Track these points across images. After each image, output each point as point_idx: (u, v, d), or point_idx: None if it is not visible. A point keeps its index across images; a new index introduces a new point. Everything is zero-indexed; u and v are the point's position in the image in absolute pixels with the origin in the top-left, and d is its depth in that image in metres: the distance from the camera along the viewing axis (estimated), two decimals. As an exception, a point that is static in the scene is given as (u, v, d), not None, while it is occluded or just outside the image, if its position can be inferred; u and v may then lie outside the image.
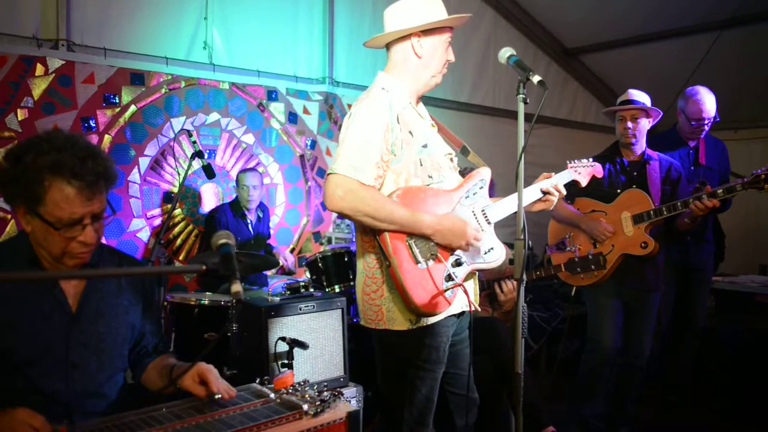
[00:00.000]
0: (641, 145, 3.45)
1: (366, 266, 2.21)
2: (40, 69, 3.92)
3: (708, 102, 3.73)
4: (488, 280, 3.26)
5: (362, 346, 3.44)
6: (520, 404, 1.97)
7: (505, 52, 2.11)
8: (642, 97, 3.43)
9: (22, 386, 1.61)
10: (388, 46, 2.32)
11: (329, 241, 5.24)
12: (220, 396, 1.63)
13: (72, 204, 1.59)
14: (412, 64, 2.27)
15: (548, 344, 5.06)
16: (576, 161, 2.84)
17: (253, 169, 4.67)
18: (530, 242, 2.01)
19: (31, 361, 1.63)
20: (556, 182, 2.49)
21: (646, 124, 3.41)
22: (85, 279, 1.78)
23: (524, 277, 1.93)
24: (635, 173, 3.44)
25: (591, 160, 2.89)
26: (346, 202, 2.02)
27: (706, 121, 3.75)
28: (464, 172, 2.42)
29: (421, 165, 2.19)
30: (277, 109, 5.09)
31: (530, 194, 2.44)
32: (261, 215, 4.66)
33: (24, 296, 1.67)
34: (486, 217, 2.32)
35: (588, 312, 3.55)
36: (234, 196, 4.65)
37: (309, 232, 5.35)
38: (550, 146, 6.74)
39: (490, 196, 2.42)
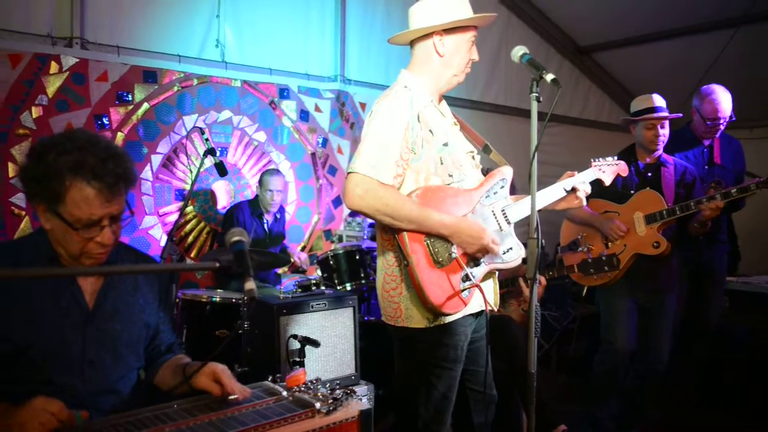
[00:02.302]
0: (660, 149, 3.44)
1: (386, 264, 2.22)
2: (54, 67, 3.95)
3: (724, 101, 3.68)
4: (504, 279, 3.25)
5: (373, 344, 3.45)
6: (533, 403, 1.97)
7: (518, 51, 2.11)
8: (662, 101, 3.43)
9: (40, 381, 1.62)
10: (411, 44, 2.32)
11: (340, 239, 5.25)
12: (235, 396, 1.63)
13: (91, 205, 1.59)
14: (434, 62, 2.26)
15: (559, 344, 5.04)
16: (600, 159, 2.80)
17: (277, 172, 4.62)
18: (543, 241, 2.01)
19: (48, 356, 1.64)
20: (582, 179, 2.48)
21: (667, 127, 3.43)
22: (101, 276, 1.79)
23: (537, 276, 1.93)
24: (649, 174, 3.43)
25: (616, 158, 2.85)
26: (365, 201, 2.03)
27: (722, 121, 3.71)
28: (487, 172, 2.41)
29: (442, 164, 2.19)
30: (288, 107, 5.10)
31: (553, 193, 2.44)
32: (278, 216, 4.68)
33: (42, 292, 1.68)
34: (506, 216, 2.31)
35: (601, 313, 3.52)
36: (254, 194, 4.66)
37: (320, 230, 5.36)
38: (562, 145, 6.72)
39: (511, 195, 2.41)
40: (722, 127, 3.76)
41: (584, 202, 2.47)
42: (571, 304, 5.22)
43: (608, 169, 2.77)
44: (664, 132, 3.38)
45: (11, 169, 3.81)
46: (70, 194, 1.58)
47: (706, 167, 3.85)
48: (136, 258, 1.94)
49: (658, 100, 3.42)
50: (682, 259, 3.63)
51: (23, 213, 3.86)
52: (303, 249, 5.17)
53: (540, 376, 2.05)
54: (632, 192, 3.38)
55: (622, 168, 2.83)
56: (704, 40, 5.87)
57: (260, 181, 4.57)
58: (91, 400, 1.69)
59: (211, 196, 4.76)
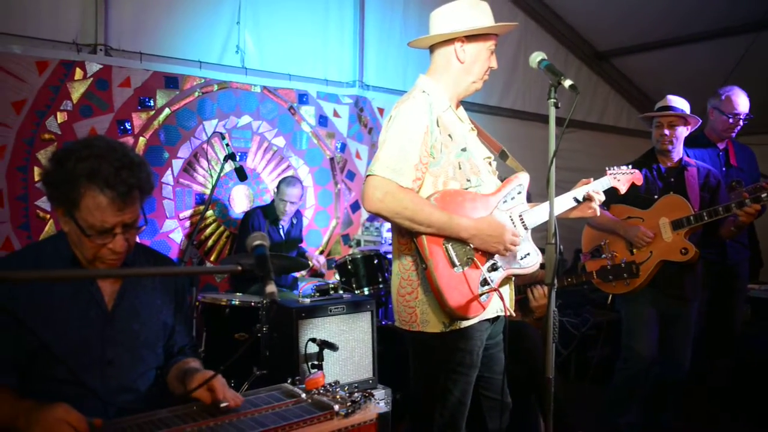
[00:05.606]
0: (678, 152, 3.39)
1: (402, 268, 2.22)
2: (79, 73, 4.03)
3: (743, 97, 3.71)
4: (520, 286, 3.23)
5: (391, 348, 3.46)
6: (550, 409, 1.96)
7: (536, 57, 2.11)
8: (681, 104, 3.37)
9: (61, 379, 1.65)
10: (431, 49, 2.33)
11: (358, 243, 5.27)
12: (226, 404, 1.62)
13: (104, 213, 1.62)
14: (454, 68, 2.27)
15: (578, 350, 5.01)
16: (615, 168, 2.79)
17: (296, 182, 4.55)
18: (561, 247, 2.00)
19: (68, 356, 1.66)
20: (594, 188, 2.46)
21: (683, 131, 3.35)
22: (120, 278, 1.82)
23: (555, 282, 1.92)
24: (672, 179, 3.37)
25: (630, 167, 2.85)
26: (385, 204, 2.04)
27: (742, 116, 3.70)
28: (503, 178, 2.41)
29: (460, 168, 2.20)
30: (307, 112, 5.14)
31: (565, 202, 2.42)
32: (295, 221, 4.67)
33: (63, 293, 1.71)
34: (523, 222, 2.31)
35: (623, 320, 3.48)
36: (269, 200, 4.68)
37: (338, 234, 5.39)
38: (580, 150, 6.67)
39: (527, 201, 2.41)
40: (741, 124, 3.74)
41: (598, 212, 2.46)
42: (590, 310, 5.18)
43: (623, 177, 2.75)
44: (672, 132, 3.31)
45: (36, 174, 3.88)
46: (84, 201, 1.61)
47: (724, 169, 3.81)
48: (155, 260, 1.96)
49: (673, 101, 3.37)
50: (706, 267, 3.58)
51: (48, 216, 3.93)
52: (321, 253, 5.19)
53: (558, 383, 2.04)
54: (656, 197, 3.32)
55: (637, 177, 2.82)
56: (725, 46, 5.81)
57: (277, 189, 4.56)
58: (111, 398, 1.72)
59: (230, 200, 4.81)
